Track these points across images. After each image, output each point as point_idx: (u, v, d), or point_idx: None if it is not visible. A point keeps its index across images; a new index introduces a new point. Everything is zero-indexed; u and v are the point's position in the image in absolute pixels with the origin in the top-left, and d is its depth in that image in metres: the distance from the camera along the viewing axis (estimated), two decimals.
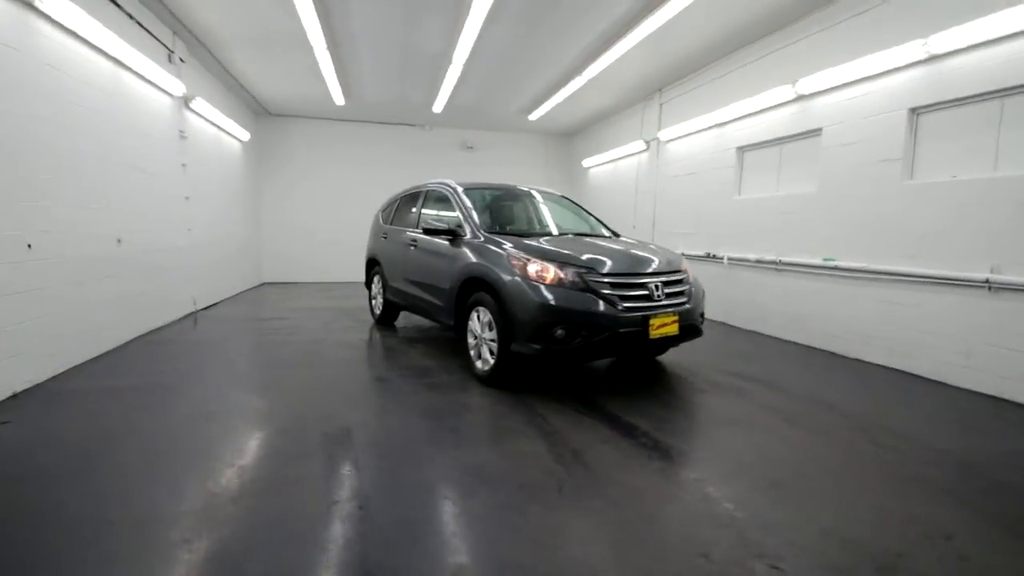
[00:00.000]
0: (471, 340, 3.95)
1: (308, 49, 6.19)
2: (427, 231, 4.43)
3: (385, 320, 6.03)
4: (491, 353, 3.69)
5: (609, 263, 3.51)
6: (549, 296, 3.29)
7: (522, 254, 3.53)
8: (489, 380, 3.71)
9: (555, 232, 4.50)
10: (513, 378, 3.74)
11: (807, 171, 5.48)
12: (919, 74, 4.24)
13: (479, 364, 3.85)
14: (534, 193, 5.12)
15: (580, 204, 5.67)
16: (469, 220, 4.23)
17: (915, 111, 4.32)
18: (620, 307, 3.35)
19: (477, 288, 3.87)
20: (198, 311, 6.66)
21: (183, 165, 6.21)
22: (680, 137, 7.55)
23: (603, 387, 3.80)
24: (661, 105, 8.10)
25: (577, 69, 7.02)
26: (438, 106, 8.99)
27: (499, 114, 9.81)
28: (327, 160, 10.59)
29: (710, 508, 2.17)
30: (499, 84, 7.87)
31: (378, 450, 2.66)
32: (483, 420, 3.12)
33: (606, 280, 3.39)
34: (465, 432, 2.94)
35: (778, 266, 5.73)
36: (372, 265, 6.29)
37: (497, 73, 7.35)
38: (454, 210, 4.59)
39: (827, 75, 4.95)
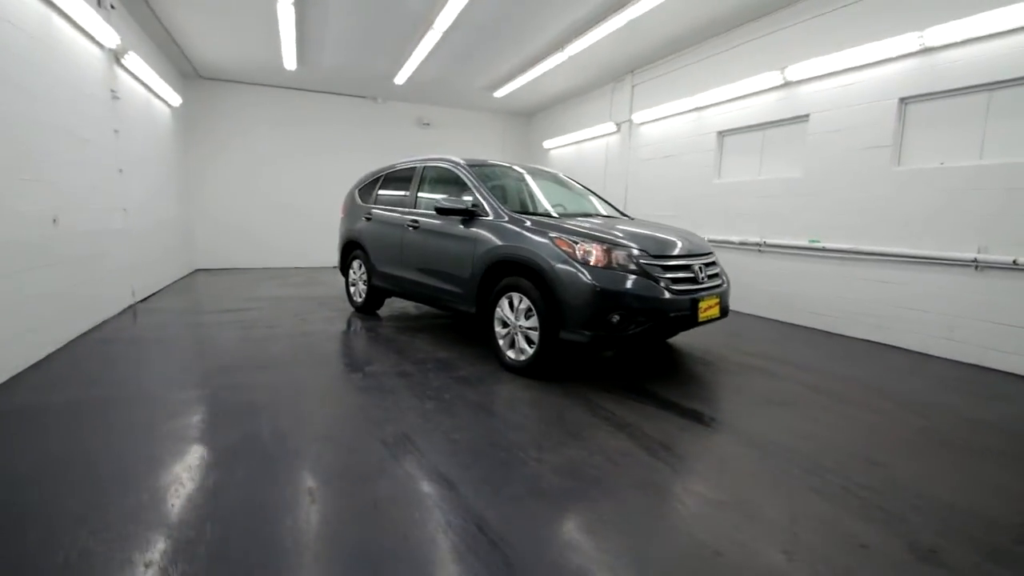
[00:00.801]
0: (499, 329, 3.68)
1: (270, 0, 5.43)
2: (440, 211, 4.05)
3: (368, 308, 5.55)
4: (528, 342, 3.46)
5: (657, 245, 3.39)
6: (605, 281, 3.12)
7: (571, 236, 3.30)
8: (526, 370, 3.48)
9: (575, 213, 4.29)
10: (554, 368, 3.54)
11: (791, 156, 5.70)
12: (911, 65, 4.49)
13: (510, 354, 3.60)
14: (537, 171, 4.86)
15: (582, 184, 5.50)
16: (489, 200, 3.91)
17: (904, 100, 4.59)
18: (674, 290, 3.25)
19: (508, 272, 3.61)
20: (137, 303, 5.75)
21: (115, 131, 5.24)
22: (656, 120, 7.59)
23: (637, 372, 3.71)
24: (633, 87, 8.09)
25: (559, 45, 6.79)
26: (401, 77, 8.36)
27: (462, 90, 9.34)
28: (267, 132, 9.55)
29: (843, 490, 2.13)
30: (474, 56, 7.44)
31: (457, 459, 2.36)
32: (547, 415, 2.90)
33: (657, 263, 3.27)
34: (536, 430, 2.70)
35: (761, 248, 5.95)
36: (351, 249, 5.75)
37: (476, 44, 6.92)
38: (463, 189, 4.25)
39: (818, 63, 5.13)
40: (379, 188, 5.44)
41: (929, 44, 4.29)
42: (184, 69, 8.33)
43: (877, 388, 3.54)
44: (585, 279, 3.12)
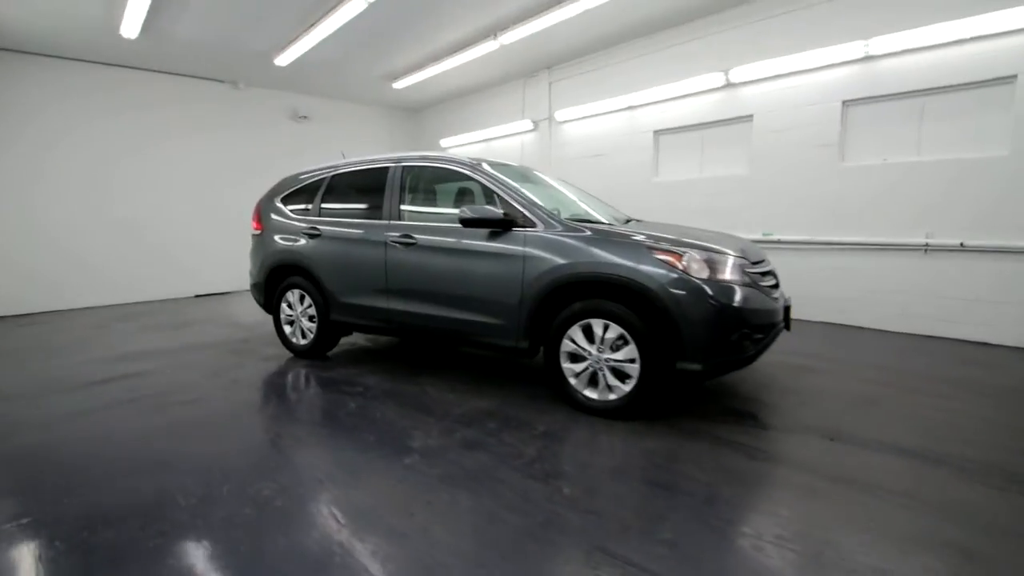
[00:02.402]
0: (569, 365, 3.00)
1: None
2: (467, 223, 3.17)
3: (317, 351, 4.26)
4: (620, 377, 2.86)
5: (748, 251, 3.07)
6: (726, 296, 2.68)
7: (673, 246, 2.78)
8: (617, 412, 2.88)
9: (602, 217, 3.73)
10: (656, 404, 3.00)
11: (734, 154, 5.98)
12: (853, 71, 4.95)
13: (590, 393, 2.95)
14: (502, 167, 4.04)
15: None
16: (533, 208, 3.17)
17: (847, 103, 5.06)
18: (774, 299, 2.97)
19: (582, 295, 2.95)
20: None
21: None
22: (583, 118, 7.42)
23: (705, 392, 3.38)
24: (551, 84, 7.82)
25: (492, 31, 6.14)
26: (285, 58, 6.80)
27: (356, 78, 8.04)
28: (90, 124, 7.00)
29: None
30: (386, 38, 6.34)
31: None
32: (704, 462, 2.36)
33: (757, 271, 2.94)
34: (729, 500, 2.15)
35: None
36: (283, 276, 4.37)
37: (393, 23, 5.88)
38: (478, 195, 3.43)
39: (763, 65, 5.41)
40: (323, 195, 4.20)
41: (872, 52, 4.76)
42: None
43: (894, 368, 3.76)
44: (707, 296, 2.65)
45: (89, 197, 7.05)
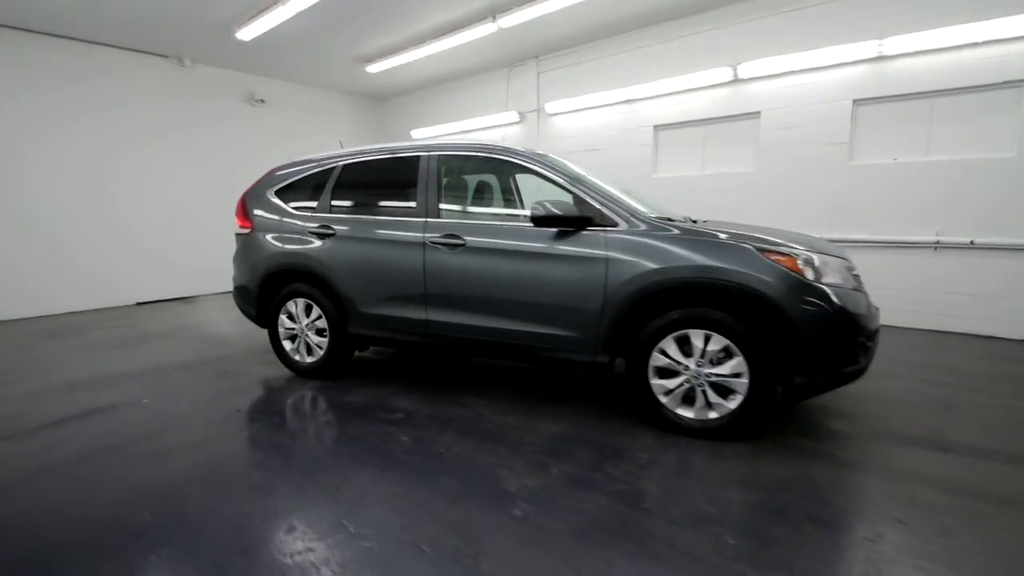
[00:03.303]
0: (660, 381, 2.68)
1: None
2: (539, 221, 2.76)
3: (329, 370, 3.66)
4: (721, 394, 2.58)
5: (842, 253, 2.88)
6: (846, 301, 2.46)
7: (785, 247, 2.52)
8: (718, 432, 2.59)
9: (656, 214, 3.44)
10: (764, 422, 2.74)
11: (738, 151, 5.92)
12: (865, 70, 4.99)
13: (684, 412, 2.66)
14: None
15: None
16: (613, 203, 2.81)
17: (857, 102, 5.10)
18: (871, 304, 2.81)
19: (676, 303, 2.63)
20: None
21: None
22: (576, 111, 7.11)
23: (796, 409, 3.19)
24: (540, 74, 7.46)
25: (491, 13, 5.68)
26: (250, 32, 5.95)
27: (327, 59, 7.25)
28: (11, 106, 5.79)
29: None
30: (372, 13, 5.70)
31: None
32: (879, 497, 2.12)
33: (856, 274, 2.76)
34: (925, 536, 1.91)
35: None
36: (282, 283, 3.72)
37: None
38: (525, 189, 3.02)
39: (773, 61, 5.35)
40: (334, 189, 3.60)
41: (886, 53, 4.80)
42: None
43: (934, 366, 3.79)
44: (826, 301, 2.41)
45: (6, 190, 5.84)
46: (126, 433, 2.80)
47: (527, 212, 2.90)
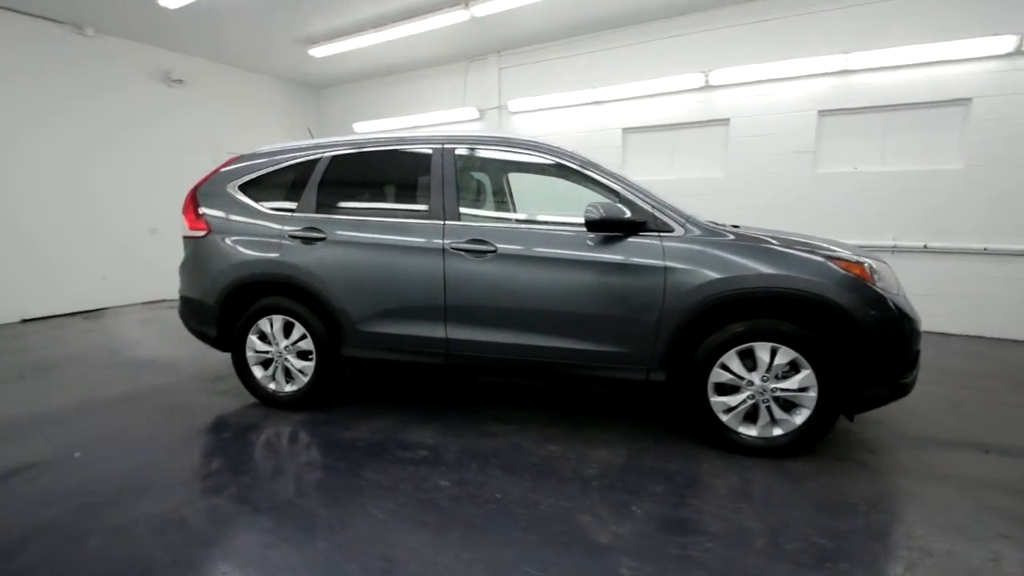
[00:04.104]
0: (720, 399, 2.49)
1: None
2: (594, 225, 2.45)
3: (313, 399, 3.08)
4: (783, 408, 2.44)
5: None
6: (908, 310, 2.41)
7: (851, 255, 2.43)
8: (788, 450, 2.45)
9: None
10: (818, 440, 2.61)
11: (707, 157, 6.01)
12: (830, 82, 5.23)
13: (749, 431, 2.49)
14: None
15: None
16: (666, 208, 2.59)
17: (822, 112, 5.34)
18: None
19: (737, 314, 2.45)
20: None
21: None
22: (541, 110, 6.88)
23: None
24: (501, 70, 7.14)
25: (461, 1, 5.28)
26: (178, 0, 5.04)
27: (260, 37, 6.40)
28: None
29: None
30: None
31: None
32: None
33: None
34: None
35: None
36: (252, 297, 3.08)
37: None
38: (574, 189, 2.72)
39: (744, 70, 5.47)
40: (320, 185, 3.03)
41: (850, 67, 5.06)
42: None
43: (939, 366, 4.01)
44: (894, 311, 2.34)
45: None
46: (64, 503, 2.10)
47: (566, 216, 2.61)
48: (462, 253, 2.70)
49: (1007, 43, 4.43)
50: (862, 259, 2.42)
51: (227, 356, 3.22)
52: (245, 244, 3.05)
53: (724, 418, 2.52)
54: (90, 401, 3.25)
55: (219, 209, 3.16)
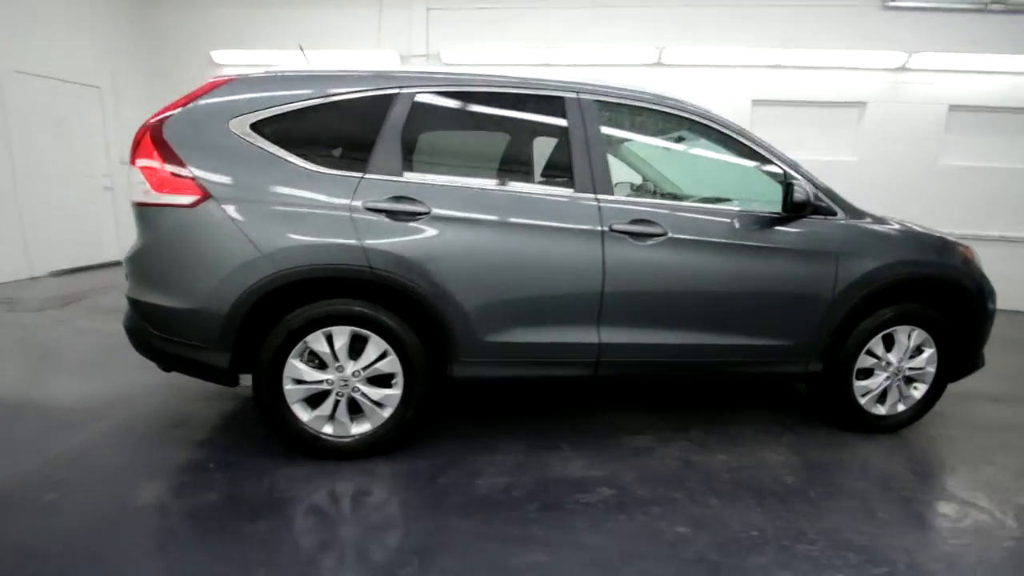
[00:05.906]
0: (862, 383, 2.51)
1: None
2: (798, 206, 2.18)
3: (402, 437, 2.19)
4: (907, 387, 2.60)
5: None
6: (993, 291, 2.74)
7: (948, 240, 2.62)
8: (906, 424, 2.62)
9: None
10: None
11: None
12: (762, 74, 5.75)
13: (881, 411, 2.57)
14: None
15: None
16: (830, 190, 2.46)
17: (755, 102, 5.86)
18: None
19: (887, 300, 2.48)
20: None
21: None
22: (482, 65, 6.12)
23: None
24: (429, 10, 6.13)
25: None
26: None
27: None
28: None
29: None
30: None
31: None
32: None
33: None
34: None
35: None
36: (297, 302, 2.01)
37: None
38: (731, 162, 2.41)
39: (695, 51, 5.67)
40: (405, 135, 2.09)
41: (782, 62, 5.63)
42: None
43: None
44: (990, 293, 2.63)
45: None
46: None
47: (738, 196, 2.29)
48: (625, 236, 2.17)
49: (898, 58, 5.43)
50: (967, 243, 2.67)
51: (191, 382, 2.12)
52: (285, 220, 1.96)
53: (862, 401, 2.57)
54: (72, 450, 1.79)
55: (222, 161, 1.96)
